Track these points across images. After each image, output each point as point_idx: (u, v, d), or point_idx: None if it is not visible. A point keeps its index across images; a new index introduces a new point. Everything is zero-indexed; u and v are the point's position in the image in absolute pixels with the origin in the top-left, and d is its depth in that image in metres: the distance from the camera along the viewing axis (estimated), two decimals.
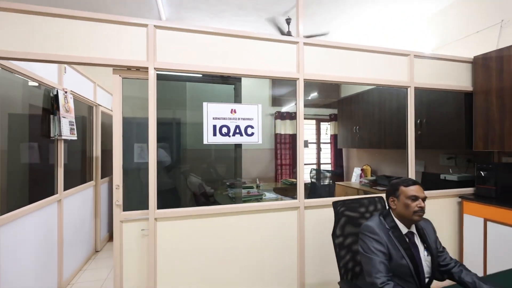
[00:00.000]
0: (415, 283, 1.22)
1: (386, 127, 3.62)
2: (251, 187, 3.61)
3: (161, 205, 1.79)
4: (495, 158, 2.63)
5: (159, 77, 1.80)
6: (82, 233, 2.93)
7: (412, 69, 2.37)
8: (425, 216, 1.34)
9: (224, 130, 1.89)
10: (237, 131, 1.92)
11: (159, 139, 1.78)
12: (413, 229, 1.32)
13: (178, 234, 1.82)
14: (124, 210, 1.79)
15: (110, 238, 3.73)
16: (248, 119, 1.95)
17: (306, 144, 5.22)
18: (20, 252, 1.83)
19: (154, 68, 1.75)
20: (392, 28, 3.81)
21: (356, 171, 4.50)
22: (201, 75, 2.00)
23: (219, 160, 3.05)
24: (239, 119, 1.93)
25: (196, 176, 3.19)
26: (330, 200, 1.97)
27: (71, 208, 2.64)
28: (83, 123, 3.03)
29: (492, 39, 2.67)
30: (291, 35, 3.45)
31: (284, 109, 4.97)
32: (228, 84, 2.03)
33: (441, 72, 2.51)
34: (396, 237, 1.26)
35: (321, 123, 5.41)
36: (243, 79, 2.07)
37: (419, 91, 2.46)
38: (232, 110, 1.91)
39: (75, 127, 2.53)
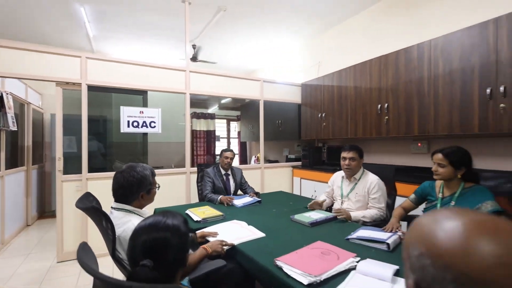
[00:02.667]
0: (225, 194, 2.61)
1: (268, 125, 5.17)
2: None
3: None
4: (317, 143, 4.37)
5: (90, 89, 2.81)
6: (17, 208, 3.60)
7: (262, 89, 3.89)
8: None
9: (135, 124, 3.01)
10: (144, 124, 3.06)
11: (93, 133, 2.78)
12: (229, 172, 2.71)
13: (102, 190, 2.86)
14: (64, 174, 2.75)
15: (39, 216, 4.35)
16: (152, 117, 3.12)
17: (218, 138, 6.55)
18: None
19: (86, 84, 2.77)
20: (274, 54, 5.42)
21: (253, 158, 6.03)
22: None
23: (135, 149, 4.09)
24: (145, 117, 3.07)
25: (120, 162, 4.17)
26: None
27: (9, 185, 3.34)
28: (16, 118, 3.68)
29: (316, 72, 4.42)
30: (196, 57, 4.69)
31: (199, 110, 6.18)
32: (139, 94, 3.15)
33: (283, 91, 4.11)
34: (219, 176, 2.63)
35: (231, 122, 6.82)
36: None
37: (279, 103, 4.06)
38: (140, 111, 3.05)
39: (15, 120, 3.27)
